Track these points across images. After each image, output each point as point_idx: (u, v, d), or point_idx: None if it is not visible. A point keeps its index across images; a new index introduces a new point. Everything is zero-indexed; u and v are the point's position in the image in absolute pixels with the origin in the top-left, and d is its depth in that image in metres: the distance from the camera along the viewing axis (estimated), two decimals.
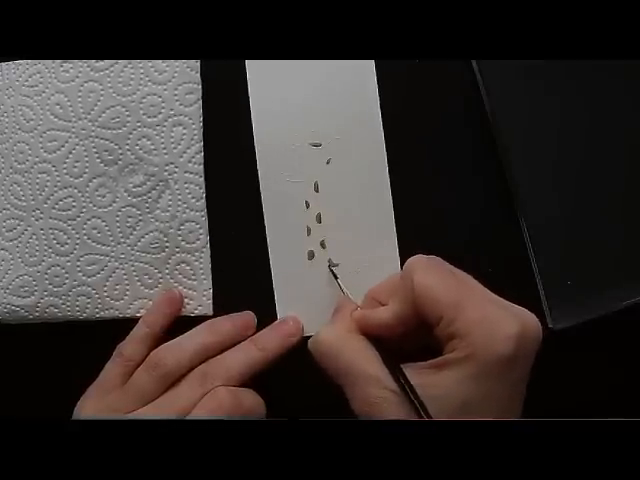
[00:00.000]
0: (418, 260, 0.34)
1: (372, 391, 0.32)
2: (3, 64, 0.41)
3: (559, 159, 0.39)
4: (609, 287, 0.38)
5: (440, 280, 0.33)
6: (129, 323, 0.40)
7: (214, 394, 0.36)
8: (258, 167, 0.41)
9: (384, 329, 0.35)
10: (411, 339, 0.35)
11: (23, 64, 0.40)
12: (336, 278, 0.40)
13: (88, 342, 0.41)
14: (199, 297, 0.41)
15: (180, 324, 0.41)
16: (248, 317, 0.40)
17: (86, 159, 0.40)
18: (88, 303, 0.41)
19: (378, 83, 0.40)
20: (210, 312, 0.41)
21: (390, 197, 0.40)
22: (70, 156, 0.40)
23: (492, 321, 0.31)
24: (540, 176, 0.39)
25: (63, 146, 0.40)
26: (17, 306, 0.40)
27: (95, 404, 0.38)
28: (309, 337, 0.36)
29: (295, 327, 0.40)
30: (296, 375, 0.39)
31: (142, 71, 0.40)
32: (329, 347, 0.35)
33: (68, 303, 0.40)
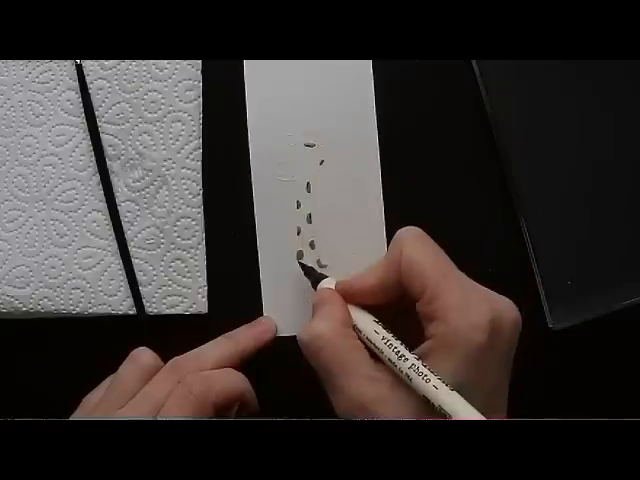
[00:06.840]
0: (408, 232, 0.35)
1: (367, 391, 0.32)
2: (10, 61, 0.42)
3: (559, 159, 0.39)
4: (609, 287, 0.38)
5: (427, 256, 0.33)
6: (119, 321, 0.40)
7: (183, 381, 0.35)
8: (251, 165, 0.41)
9: (368, 295, 0.35)
10: (393, 314, 0.35)
11: (33, 61, 0.41)
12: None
13: (77, 341, 0.41)
14: (194, 295, 0.40)
15: (174, 323, 0.40)
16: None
17: (91, 153, 0.41)
18: (82, 297, 0.40)
19: (375, 84, 0.40)
20: (205, 310, 0.41)
21: (382, 199, 0.40)
22: (76, 149, 0.41)
23: (468, 308, 0.31)
24: (540, 176, 0.39)
25: (70, 140, 0.41)
26: (11, 297, 0.40)
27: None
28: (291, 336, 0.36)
29: (269, 325, 0.40)
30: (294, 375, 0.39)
31: (145, 68, 0.41)
32: (321, 341, 0.34)
33: (62, 296, 0.40)
